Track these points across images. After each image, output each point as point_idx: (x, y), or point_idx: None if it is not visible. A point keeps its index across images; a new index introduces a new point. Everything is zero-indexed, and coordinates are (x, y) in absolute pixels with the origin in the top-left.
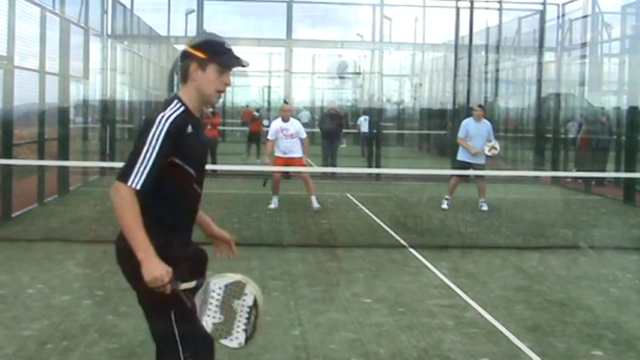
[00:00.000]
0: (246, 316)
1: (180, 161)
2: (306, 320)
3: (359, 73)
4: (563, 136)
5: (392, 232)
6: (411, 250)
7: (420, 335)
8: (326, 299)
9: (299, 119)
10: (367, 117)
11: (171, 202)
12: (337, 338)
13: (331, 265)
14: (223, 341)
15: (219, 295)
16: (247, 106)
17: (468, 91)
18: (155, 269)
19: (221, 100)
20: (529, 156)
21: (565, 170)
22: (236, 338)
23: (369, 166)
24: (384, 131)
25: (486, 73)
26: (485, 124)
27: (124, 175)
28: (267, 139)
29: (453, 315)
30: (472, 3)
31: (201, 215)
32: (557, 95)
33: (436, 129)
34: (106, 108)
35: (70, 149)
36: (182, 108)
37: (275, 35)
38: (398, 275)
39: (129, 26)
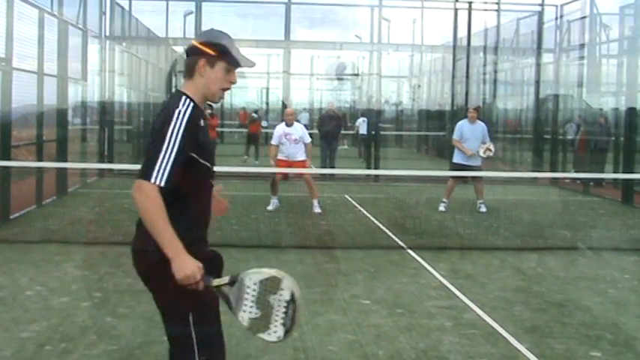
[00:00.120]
0: (284, 310)
1: (196, 156)
2: (305, 322)
3: (357, 75)
4: (561, 137)
5: (390, 234)
6: (410, 251)
7: (419, 336)
8: (325, 301)
9: (299, 121)
10: (365, 119)
11: (190, 197)
12: (336, 339)
13: (330, 266)
14: (261, 335)
15: (254, 290)
16: (244, 108)
17: (467, 93)
18: (187, 266)
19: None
20: (527, 157)
21: (563, 171)
22: (274, 332)
23: (368, 168)
24: (383, 132)
25: (485, 74)
26: (480, 125)
27: (145, 173)
28: (271, 144)
29: (451, 316)
30: (470, 4)
31: None
32: (556, 96)
33: (434, 130)
34: (105, 109)
35: (68, 151)
36: (193, 103)
37: (273, 36)
38: (396, 276)
39: (127, 28)
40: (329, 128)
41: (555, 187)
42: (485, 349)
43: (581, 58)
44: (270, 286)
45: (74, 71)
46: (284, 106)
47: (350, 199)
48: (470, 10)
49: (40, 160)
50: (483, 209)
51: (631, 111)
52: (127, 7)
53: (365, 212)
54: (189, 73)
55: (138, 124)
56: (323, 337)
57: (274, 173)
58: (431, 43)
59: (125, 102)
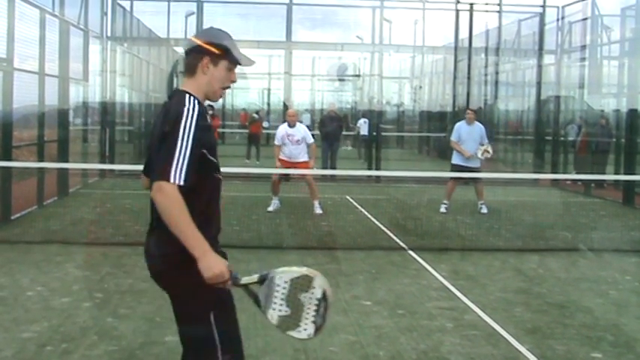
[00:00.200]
0: (315, 308)
1: (206, 152)
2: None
3: (359, 76)
4: (562, 138)
5: (391, 235)
6: (411, 252)
7: (420, 337)
8: None
9: (301, 122)
10: (366, 119)
11: (203, 194)
12: (337, 340)
13: (331, 267)
14: (291, 332)
15: (284, 288)
16: (245, 109)
17: (468, 94)
18: (215, 265)
19: (220, 102)
20: (529, 158)
21: (565, 173)
22: (304, 330)
23: (369, 169)
24: (384, 133)
25: (486, 75)
26: (478, 127)
27: (163, 173)
28: (274, 144)
29: (452, 317)
30: (472, 5)
31: None
32: (557, 98)
33: (436, 131)
34: (106, 110)
35: (69, 151)
36: (197, 100)
37: (275, 37)
38: (397, 278)
39: (128, 28)
40: (330, 129)
41: (556, 188)
42: (486, 350)
43: (583, 59)
44: (301, 284)
45: (75, 72)
46: (285, 107)
47: (351, 200)
48: (471, 11)
49: (41, 160)
50: (484, 210)
51: (632, 112)
52: (128, 8)
53: (366, 213)
54: (191, 71)
55: (139, 124)
56: (324, 337)
57: (276, 174)
58: (432, 44)
59: (126, 102)
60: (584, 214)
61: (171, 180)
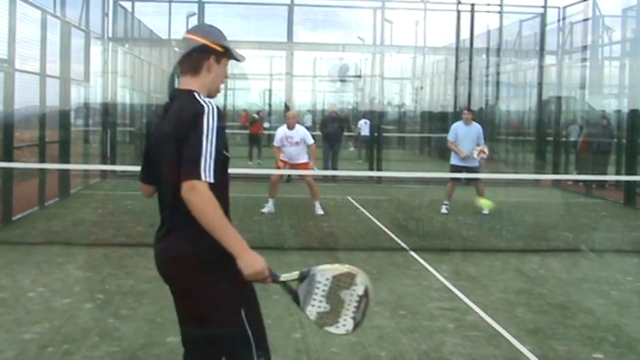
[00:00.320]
0: (355, 304)
1: (223, 149)
2: (307, 323)
3: (360, 76)
4: (564, 139)
5: (393, 235)
6: (412, 253)
7: (421, 338)
8: None
9: (302, 123)
10: (367, 120)
11: (221, 190)
12: (338, 341)
13: None
14: (328, 328)
15: (325, 285)
16: (246, 110)
17: (469, 94)
18: (255, 262)
19: (221, 102)
20: (530, 159)
21: (566, 173)
22: (343, 326)
23: (370, 169)
24: (385, 134)
25: (487, 76)
26: (476, 127)
27: (192, 172)
28: (274, 146)
29: (454, 318)
30: (473, 6)
31: None
32: (558, 98)
33: (437, 132)
34: (107, 111)
35: (70, 152)
36: (207, 99)
37: (276, 38)
38: (399, 278)
39: (130, 29)
40: (331, 130)
41: (558, 189)
42: (487, 350)
43: (584, 60)
44: (343, 281)
45: (77, 73)
46: (286, 107)
47: (352, 200)
48: (472, 12)
49: (42, 161)
50: (486, 211)
51: (633, 113)
52: (129, 9)
53: (367, 214)
54: (196, 70)
55: (140, 125)
56: (325, 338)
57: (276, 175)
58: (433, 44)
59: (128, 103)
60: (586, 215)
61: (203, 178)
